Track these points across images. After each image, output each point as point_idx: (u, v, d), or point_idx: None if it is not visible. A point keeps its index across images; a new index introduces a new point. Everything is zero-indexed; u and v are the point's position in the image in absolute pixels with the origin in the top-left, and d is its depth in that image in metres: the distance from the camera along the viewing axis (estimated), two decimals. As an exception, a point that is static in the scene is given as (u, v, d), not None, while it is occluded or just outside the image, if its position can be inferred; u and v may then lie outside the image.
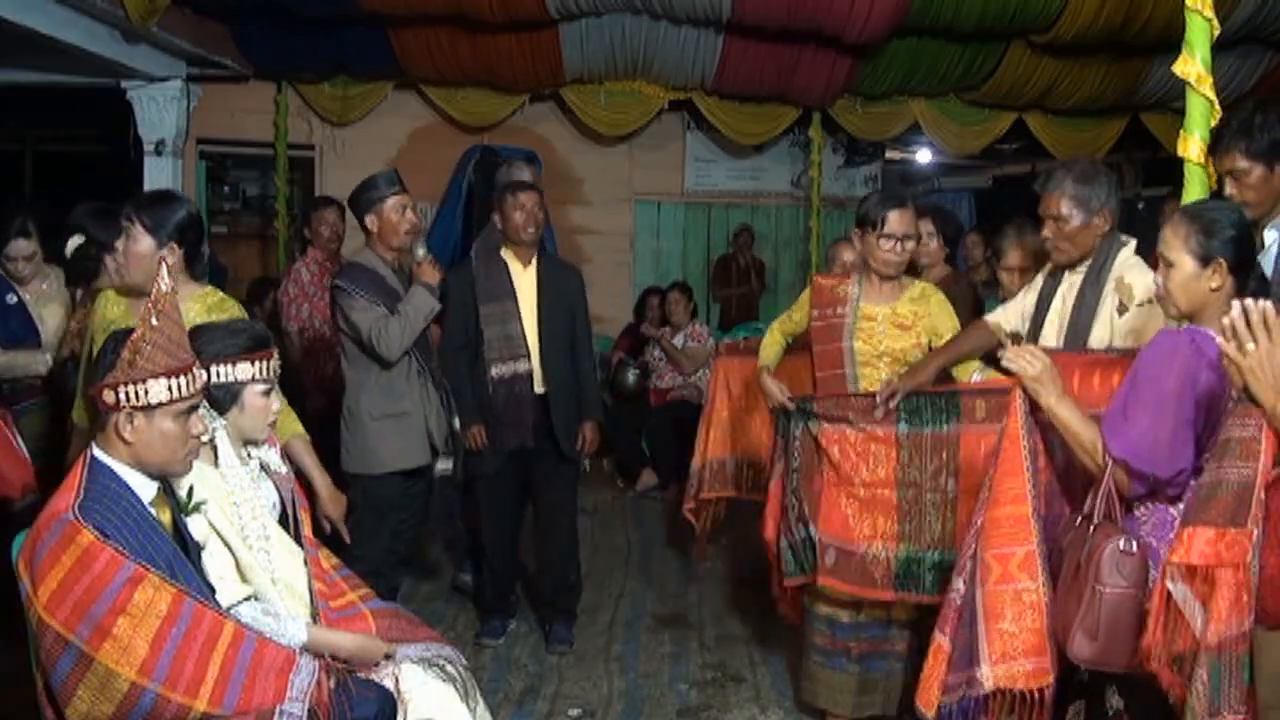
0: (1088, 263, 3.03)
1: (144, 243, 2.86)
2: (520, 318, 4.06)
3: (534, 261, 4.13)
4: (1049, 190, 3.02)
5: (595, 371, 4.40)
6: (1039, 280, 3.21)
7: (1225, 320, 1.90)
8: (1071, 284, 3.07)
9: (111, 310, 3.00)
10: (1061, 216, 2.98)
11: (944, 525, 3.06)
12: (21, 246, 4.01)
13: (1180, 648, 1.95)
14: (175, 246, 2.89)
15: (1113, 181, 3.02)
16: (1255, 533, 1.88)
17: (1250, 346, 1.85)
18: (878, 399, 3.15)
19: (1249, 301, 1.88)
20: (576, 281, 4.26)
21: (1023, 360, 2.39)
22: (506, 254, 4.12)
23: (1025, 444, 2.44)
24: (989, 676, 2.37)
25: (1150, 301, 2.81)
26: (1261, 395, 1.86)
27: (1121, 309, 2.90)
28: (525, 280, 4.11)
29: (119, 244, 2.92)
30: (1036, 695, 2.35)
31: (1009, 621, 2.38)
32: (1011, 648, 2.37)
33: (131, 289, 2.96)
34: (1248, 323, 1.86)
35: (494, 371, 4.05)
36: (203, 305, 2.92)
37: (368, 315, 3.60)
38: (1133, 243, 3.00)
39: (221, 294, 3.02)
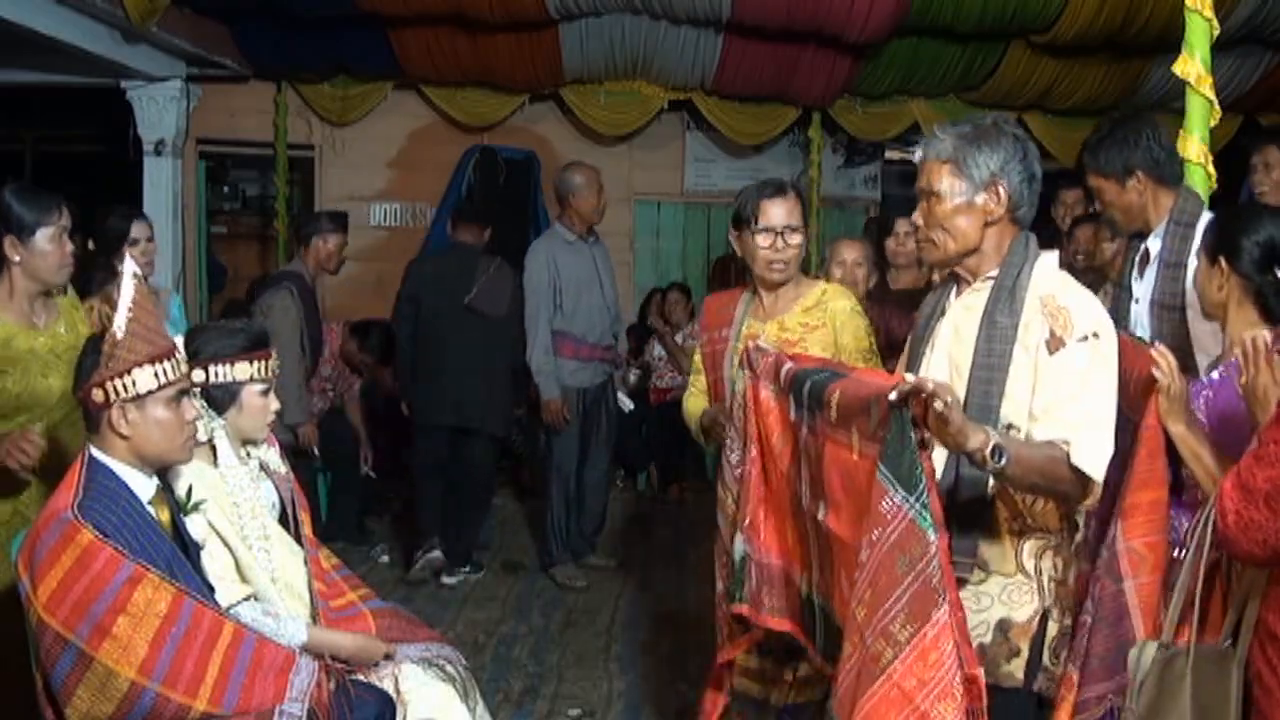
0: (989, 276, 2.08)
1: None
2: None
3: None
4: (925, 156, 2.12)
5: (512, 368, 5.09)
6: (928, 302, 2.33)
7: (1235, 351, 2.04)
8: (968, 307, 2.11)
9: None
10: (935, 192, 2.07)
11: (820, 564, 2.18)
12: None
13: None
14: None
15: (1020, 151, 2.06)
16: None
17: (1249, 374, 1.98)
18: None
19: (1250, 334, 2.00)
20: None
21: (1165, 366, 2.04)
22: None
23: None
24: None
25: (1096, 335, 1.99)
26: (1252, 418, 1.98)
27: (1055, 344, 1.98)
28: None
29: (51, 242, 2.68)
30: None
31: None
32: None
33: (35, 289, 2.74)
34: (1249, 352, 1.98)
35: None
36: None
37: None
38: (1054, 254, 2.11)
39: None
